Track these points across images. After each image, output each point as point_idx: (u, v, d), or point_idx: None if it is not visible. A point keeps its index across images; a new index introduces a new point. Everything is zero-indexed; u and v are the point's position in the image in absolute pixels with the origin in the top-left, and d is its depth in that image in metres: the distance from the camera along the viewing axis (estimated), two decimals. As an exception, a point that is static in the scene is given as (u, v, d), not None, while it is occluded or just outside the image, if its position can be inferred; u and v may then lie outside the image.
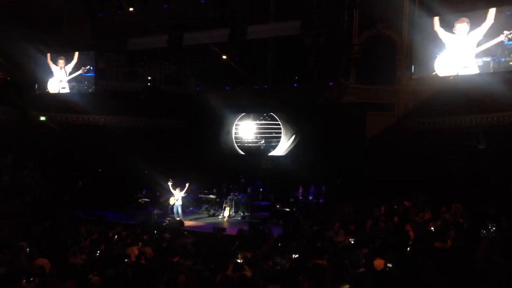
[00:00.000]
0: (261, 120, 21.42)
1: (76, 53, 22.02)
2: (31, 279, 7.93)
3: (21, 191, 19.29)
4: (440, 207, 11.79)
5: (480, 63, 15.60)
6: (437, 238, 8.30)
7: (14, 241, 12.12)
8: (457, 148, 17.28)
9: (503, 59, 15.23)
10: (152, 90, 22.52)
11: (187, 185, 17.71)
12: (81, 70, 21.92)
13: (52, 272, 8.58)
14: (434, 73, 16.64)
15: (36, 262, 9.32)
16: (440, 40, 16.38)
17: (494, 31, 15.24)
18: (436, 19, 16.56)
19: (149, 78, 22.88)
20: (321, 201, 17.41)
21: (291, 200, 17.87)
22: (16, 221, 15.62)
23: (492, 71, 15.52)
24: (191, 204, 19.45)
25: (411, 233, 9.34)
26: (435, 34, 16.47)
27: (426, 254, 6.91)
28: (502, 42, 15.10)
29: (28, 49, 21.81)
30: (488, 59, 15.47)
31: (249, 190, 18.69)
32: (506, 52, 15.11)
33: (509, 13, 15.16)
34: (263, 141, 21.27)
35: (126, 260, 9.81)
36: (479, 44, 15.53)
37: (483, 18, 15.39)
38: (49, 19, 22.02)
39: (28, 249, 10.98)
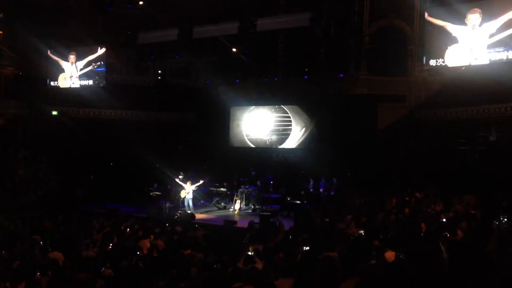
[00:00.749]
0: (272, 112, 21.38)
1: (102, 50, 22.01)
2: (45, 272, 8.03)
3: (34, 185, 19.47)
4: (452, 198, 11.72)
5: (493, 54, 15.39)
6: (449, 229, 8.26)
7: (28, 235, 12.27)
8: (470, 139, 17.13)
9: (516, 49, 15.03)
10: (162, 84, 22.57)
11: (201, 181, 17.75)
12: (91, 66, 21.99)
13: (65, 265, 8.67)
14: (444, 64, 16.47)
15: (50, 255, 9.42)
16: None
17: (507, 23, 15.00)
18: (432, 19, 16.46)
19: (159, 72, 22.92)
20: (332, 193, 17.37)
21: (302, 192, 17.83)
22: (29, 215, 15.77)
23: (504, 61, 15.32)
24: (202, 197, 19.51)
25: (422, 225, 9.30)
26: (447, 19, 16.25)
27: (438, 246, 6.87)
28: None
29: (39, 44, 21.91)
30: (501, 49, 15.26)
31: (259, 183, 18.69)
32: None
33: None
34: (269, 138, 21.23)
35: (138, 252, 9.89)
36: (491, 36, 15.32)
37: (500, 11, 15.12)
38: (59, 14, 22.08)
39: (41, 242, 11.11)
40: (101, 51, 21.86)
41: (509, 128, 15.98)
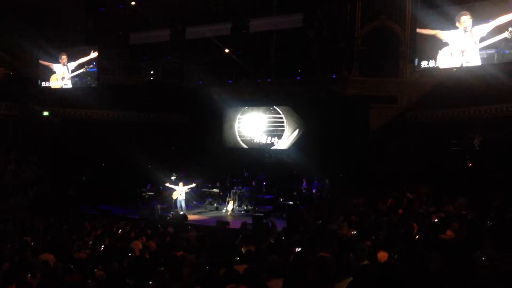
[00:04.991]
0: (265, 113, 21.37)
1: (94, 53, 21.85)
2: (36, 274, 7.97)
3: (25, 186, 19.36)
4: (443, 198, 11.78)
5: (484, 56, 15.47)
6: (441, 230, 8.30)
7: (19, 236, 12.19)
8: (461, 140, 17.23)
9: (507, 51, 15.09)
10: (154, 85, 22.50)
11: (193, 184, 17.72)
12: (83, 68, 21.86)
13: (56, 267, 8.61)
14: (436, 66, 16.56)
15: (41, 257, 9.35)
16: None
17: (498, 27, 15.09)
18: (422, 31, 16.56)
19: (152, 72, 22.84)
20: (324, 194, 17.40)
21: (295, 193, 17.86)
22: (20, 216, 15.67)
23: (496, 63, 15.42)
24: (195, 198, 19.46)
25: (414, 225, 9.33)
26: (438, 26, 16.34)
27: (430, 246, 6.90)
28: (505, 38, 14.97)
29: (31, 45, 21.77)
30: (492, 51, 15.33)
31: (252, 183, 18.68)
32: (510, 44, 14.93)
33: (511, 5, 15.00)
34: (260, 140, 21.21)
35: (130, 254, 9.85)
36: (482, 40, 15.40)
37: (491, 15, 15.19)
38: (51, 15, 21.97)
39: (32, 244, 11.03)
40: (93, 54, 21.73)
41: (499, 129, 16.08)
